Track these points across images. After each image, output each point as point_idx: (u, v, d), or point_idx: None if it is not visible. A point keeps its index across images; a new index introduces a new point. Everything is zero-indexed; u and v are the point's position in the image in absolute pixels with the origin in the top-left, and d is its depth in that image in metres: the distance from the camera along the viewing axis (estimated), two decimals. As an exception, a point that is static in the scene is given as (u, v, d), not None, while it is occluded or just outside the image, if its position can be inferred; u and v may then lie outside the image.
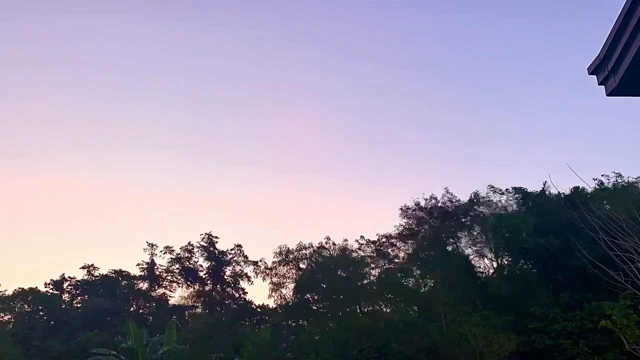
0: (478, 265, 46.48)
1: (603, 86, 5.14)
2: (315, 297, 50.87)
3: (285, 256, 54.39)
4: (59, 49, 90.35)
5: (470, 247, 46.87)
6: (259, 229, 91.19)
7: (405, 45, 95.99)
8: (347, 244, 53.31)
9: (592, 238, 10.69)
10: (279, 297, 53.74)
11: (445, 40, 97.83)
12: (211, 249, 65.33)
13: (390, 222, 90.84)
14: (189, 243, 65.38)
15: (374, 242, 54.64)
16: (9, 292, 61.47)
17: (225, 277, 65.62)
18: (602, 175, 43.13)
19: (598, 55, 5.13)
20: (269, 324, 54.49)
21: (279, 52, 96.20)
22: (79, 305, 62.39)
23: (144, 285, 65.02)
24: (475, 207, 48.00)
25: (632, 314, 25.18)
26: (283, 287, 53.84)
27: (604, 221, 10.05)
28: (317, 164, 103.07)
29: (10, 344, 45.33)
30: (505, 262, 45.71)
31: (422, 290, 44.98)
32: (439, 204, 49.34)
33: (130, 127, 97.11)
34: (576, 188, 37.64)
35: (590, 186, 41.74)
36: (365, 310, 47.27)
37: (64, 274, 63.93)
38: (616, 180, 42.46)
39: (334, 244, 53.48)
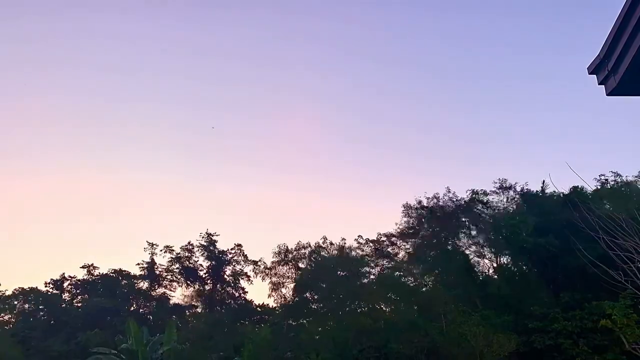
0: (478, 265, 46.54)
1: (603, 86, 5.14)
2: (315, 297, 50.86)
3: (285, 256, 54.41)
4: (59, 49, 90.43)
5: (470, 246, 46.94)
6: (259, 229, 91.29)
7: (405, 45, 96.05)
8: (345, 244, 53.34)
9: (592, 238, 10.69)
10: (279, 296, 53.81)
11: (445, 40, 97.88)
12: (211, 248, 65.36)
13: (390, 222, 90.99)
14: (189, 242, 65.49)
15: (373, 242, 54.66)
16: (9, 292, 61.56)
17: (226, 276, 65.65)
18: (602, 175, 43.18)
19: (598, 55, 5.14)
20: (269, 323, 54.47)
21: (279, 52, 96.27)
22: (79, 304, 62.40)
23: (144, 285, 65.04)
24: (475, 206, 48.04)
25: (632, 313, 25.22)
26: (283, 286, 53.90)
27: (604, 221, 10.05)
28: (317, 164, 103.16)
29: (10, 344, 45.37)
30: (505, 262, 45.73)
31: (422, 290, 44.99)
32: (440, 203, 49.45)
33: (130, 127, 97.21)
34: (576, 188, 37.63)
35: (590, 186, 41.79)
36: (365, 309, 47.25)
37: (64, 274, 64.00)
38: (616, 180, 42.49)
39: (331, 243, 53.52)
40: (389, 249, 54.36)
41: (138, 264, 64.43)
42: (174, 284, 65.76)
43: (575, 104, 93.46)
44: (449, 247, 47.51)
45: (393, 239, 53.63)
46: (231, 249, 65.72)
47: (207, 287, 65.64)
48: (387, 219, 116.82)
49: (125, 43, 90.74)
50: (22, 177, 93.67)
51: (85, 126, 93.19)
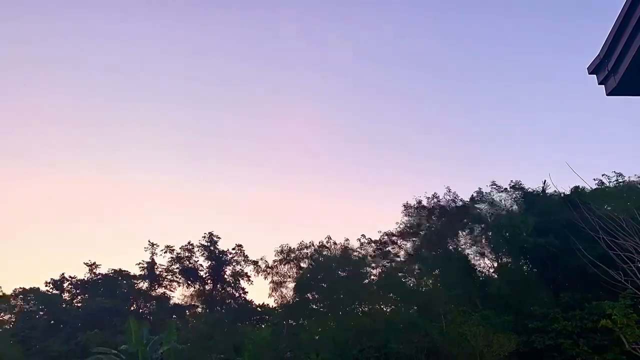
0: (478, 265, 46.55)
1: (603, 86, 5.15)
2: (316, 297, 50.88)
3: (287, 255, 54.43)
4: (59, 49, 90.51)
5: (470, 246, 46.94)
6: (259, 229, 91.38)
7: (405, 45, 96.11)
8: (348, 244, 53.40)
9: (592, 238, 10.69)
10: (279, 296, 53.81)
11: (445, 40, 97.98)
12: (212, 248, 65.35)
13: (391, 222, 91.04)
14: (189, 242, 65.49)
15: (375, 241, 54.69)
16: (9, 292, 61.57)
17: (226, 276, 65.63)
18: (602, 175, 43.15)
19: (598, 55, 5.14)
20: (269, 323, 54.49)
21: (279, 52, 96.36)
22: (79, 304, 62.39)
23: (144, 285, 65.03)
24: (475, 206, 48.05)
25: (632, 313, 25.20)
26: (283, 286, 53.90)
27: (604, 221, 10.05)
28: (317, 163, 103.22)
29: (10, 344, 45.38)
30: (506, 262, 45.72)
31: (422, 290, 44.98)
32: (441, 203, 49.46)
33: (130, 127, 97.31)
34: (576, 188, 37.62)
35: (590, 186, 41.74)
36: (366, 309, 47.27)
37: (64, 274, 64.00)
38: (616, 180, 42.47)
39: (335, 243, 53.56)
40: (389, 249, 54.40)
41: (138, 263, 64.53)
42: (174, 284, 65.79)
43: (575, 104, 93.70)
44: (449, 247, 47.52)
45: (394, 238, 53.68)
46: (232, 249, 65.78)
47: (207, 287, 65.63)
48: (388, 219, 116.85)
49: (125, 43, 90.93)
50: (22, 177, 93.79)
51: (85, 126, 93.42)
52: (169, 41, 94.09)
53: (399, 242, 53.56)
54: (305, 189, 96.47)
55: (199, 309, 63.99)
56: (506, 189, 47.06)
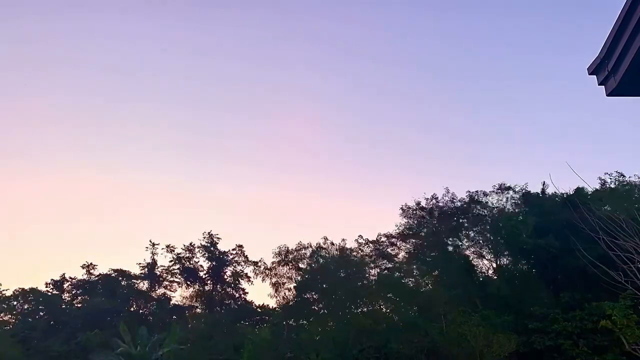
0: (478, 265, 46.54)
1: (603, 86, 5.14)
2: (315, 297, 50.86)
3: (285, 256, 54.39)
4: (59, 48, 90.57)
5: (470, 247, 46.92)
6: (259, 229, 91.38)
7: (405, 45, 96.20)
8: (346, 244, 53.36)
9: (592, 238, 10.67)
10: (279, 297, 53.78)
11: (445, 40, 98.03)
12: (212, 248, 65.30)
13: (390, 222, 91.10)
14: (190, 243, 65.43)
15: (373, 242, 54.64)
16: (9, 292, 61.55)
17: (226, 277, 65.59)
18: (603, 175, 43.19)
19: (598, 55, 5.13)
20: (269, 323, 54.47)
21: (279, 52, 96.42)
22: (79, 305, 62.36)
23: (144, 285, 64.99)
24: (475, 207, 48.02)
25: (632, 314, 25.21)
26: (283, 287, 53.86)
27: (604, 221, 10.04)
28: (317, 164, 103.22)
29: (10, 344, 45.32)
30: (505, 262, 45.72)
31: (422, 290, 44.98)
32: (440, 204, 49.42)
33: (130, 127, 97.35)
34: (576, 188, 37.63)
35: (590, 186, 41.78)
36: (365, 310, 47.26)
37: (64, 274, 63.98)
38: (616, 180, 42.49)
39: (332, 244, 53.50)
40: (389, 250, 54.35)
41: (138, 263, 64.47)
42: (174, 284, 65.75)
43: (575, 104, 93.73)
44: (449, 248, 47.50)
45: (393, 239, 53.64)
46: (232, 250, 65.73)
47: (207, 288, 65.59)
48: (387, 219, 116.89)
49: (125, 43, 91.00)
50: (22, 177, 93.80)
51: (85, 126, 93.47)
52: (169, 41, 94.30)
53: (398, 243, 53.54)
54: (305, 189, 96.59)
55: (199, 310, 63.95)
56: (506, 189, 47.07)
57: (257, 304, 64.18)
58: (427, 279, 46.66)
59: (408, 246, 52.36)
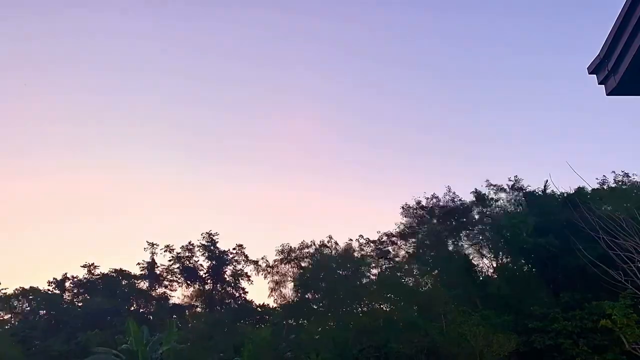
0: (478, 265, 46.58)
1: (603, 86, 5.14)
2: (316, 297, 50.89)
3: (287, 254, 54.40)
4: (59, 48, 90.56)
5: (470, 246, 46.94)
6: (259, 229, 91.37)
7: (405, 45, 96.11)
8: (349, 243, 53.41)
9: (592, 238, 10.69)
10: (279, 296, 53.81)
11: (445, 40, 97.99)
12: (212, 248, 65.34)
13: (391, 222, 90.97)
14: (189, 242, 65.48)
15: (374, 241, 54.69)
16: (10, 291, 61.59)
17: (226, 276, 65.63)
18: (605, 174, 43.23)
19: (598, 55, 5.14)
20: (269, 323, 54.50)
21: (279, 52, 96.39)
22: (79, 304, 62.43)
23: (144, 285, 65.05)
24: (475, 206, 48.05)
25: (632, 313, 25.21)
26: (283, 286, 53.89)
27: (604, 221, 10.05)
28: (317, 163, 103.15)
29: (10, 344, 45.31)
30: (505, 262, 45.73)
31: (422, 290, 45.00)
32: (440, 203, 49.45)
33: (130, 127, 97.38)
34: (576, 188, 37.63)
35: (590, 186, 41.77)
36: (366, 309, 47.28)
37: (65, 274, 64.04)
38: (616, 180, 42.51)
39: (336, 243, 53.56)
40: (389, 249, 54.41)
41: (138, 263, 64.52)
42: (174, 284, 65.79)
43: (575, 104, 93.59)
44: (449, 247, 47.52)
45: (393, 238, 53.67)
46: (232, 249, 65.78)
47: (207, 287, 65.64)
48: (387, 219, 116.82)
49: (125, 42, 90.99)
50: (22, 177, 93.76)
51: (85, 126, 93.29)
52: (168, 41, 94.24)
53: (398, 242, 53.59)
54: (305, 189, 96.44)
55: (199, 309, 64.00)
56: (506, 189, 47.12)
57: (257, 304, 64.31)
58: (427, 279, 46.68)
59: (408, 245, 52.41)
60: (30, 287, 62.13)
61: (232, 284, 65.54)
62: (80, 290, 64.07)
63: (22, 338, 50.32)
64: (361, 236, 54.76)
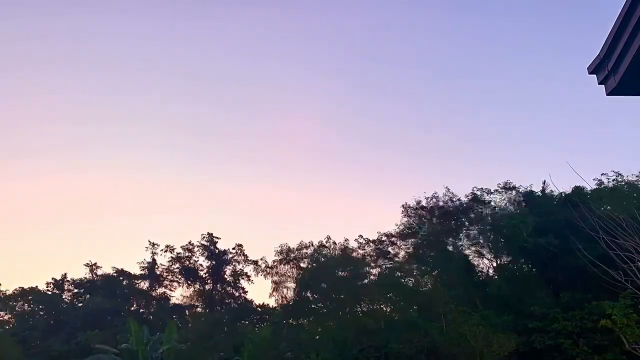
0: (478, 265, 46.56)
1: (603, 86, 5.15)
2: (316, 297, 50.87)
3: (287, 255, 54.40)
4: (59, 48, 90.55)
5: (470, 246, 46.93)
6: (259, 229, 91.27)
7: (405, 45, 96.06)
8: (348, 244, 53.40)
9: (592, 238, 10.70)
10: (280, 296, 53.79)
11: (445, 40, 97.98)
12: (212, 248, 65.36)
13: (391, 221, 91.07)
14: (189, 242, 65.49)
15: (374, 241, 54.67)
16: (10, 292, 61.57)
17: (226, 276, 65.64)
18: (602, 175, 43.17)
19: (598, 55, 5.14)
20: (269, 323, 54.48)
21: (279, 52, 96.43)
22: (79, 304, 62.42)
23: (144, 285, 65.05)
24: (475, 206, 48.04)
25: (632, 313, 25.23)
26: (283, 286, 53.88)
27: (604, 221, 10.05)
28: (317, 163, 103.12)
29: (10, 344, 45.32)
30: (505, 262, 45.73)
31: (422, 290, 45.01)
32: (440, 203, 49.45)
33: (130, 127, 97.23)
34: (576, 187, 37.63)
35: (590, 186, 41.78)
36: (366, 309, 47.28)
37: (65, 274, 64.05)
38: (616, 180, 42.48)
39: (334, 243, 53.53)
40: (389, 249, 54.40)
41: (138, 263, 64.53)
42: (175, 283, 65.81)
43: (575, 104, 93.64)
44: (449, 247, 47.52)
45: (393, 238, 53.66)
46: (232, 249, 65.79)
47: (207, 287, 65.65)
48: (388, 219, 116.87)
49: (125, 43, 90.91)
50: (22, 177, 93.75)
51: (85, 125, 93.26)
52: (168, 40, 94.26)
53: (398, 242, 53.58)
54: (306, 189, 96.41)
55: (199, 309, 64.02)
56: (506, 188, 47.10)
57: (257, 303, 64.33)
58: (427, 279, 46.69)
59: (408, 245, 52.41)
60: (30, 287, 62.17)
61: (232, 284, 65.57)
62: (80, 290, 64.06)
63: (22, 338, 50.34)
64: (361, 236, 54.82)
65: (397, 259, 53.09)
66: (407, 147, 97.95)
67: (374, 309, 46.57)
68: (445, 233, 48.12)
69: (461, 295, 39.62)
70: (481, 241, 46.60)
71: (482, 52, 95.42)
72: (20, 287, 61.86)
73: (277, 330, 47.48)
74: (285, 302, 52.78)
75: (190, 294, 64.72)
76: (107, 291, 61.59)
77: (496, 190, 47.29)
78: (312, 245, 54.19)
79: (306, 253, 54.30)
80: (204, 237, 65.33)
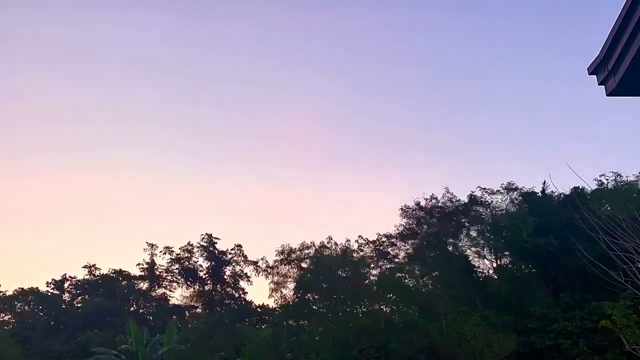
0: (478, 265, 46.57)
1: (603, 86, 5.14)
2: (316, 297, 50.85)
3: (288, 255, 54.37)
4: (59, 48, 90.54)
5: (470, 247, 46.93)
6: (258, 229, 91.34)
7: (405, 44, 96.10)
8: (350, 244, 53.40)
9: (592, 238, 10.70)
10: (280, 297, 53.76)
11: (445, 40, 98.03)
12: (211, 248, 65.34)
13: (391, 222, 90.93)
14: (188, 243, 65.48)
15: (373, 242, 54.66)
16: (10, 292, 61.57)
17: (225, 277, 65.62)
18: (602, 175, 43.16)
19: (598, 55, 5.13)
20: (269, 323, 54.45)
21: (279, 52, 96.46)
22: (79, 305, 62.39)
23: (144, 285, 65.02)
24: (475, 207, 48.05)
25: (632, 314, 25.21)
26: (284, 286, 53.85)
27: (604, 221, 10.05)
28: (317, 163, 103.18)
29: (10, 344, 45.31)
30: (505, 262, 45.72)
31: (422, 290, 44.99)
32: (439, 204, 49.44)
33: (130, 127, 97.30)
34: (576, 188, 37.59)
35: (590, 186, 41.78)
36: (366, 310, 47.26)
37: (65, 274, 64.03)
38: (616, 180, 42.47)
39: (335, 243, 53.52)
40: (389, 250, 54.38)
41: (138, 264, 64.50)
42: (174, 284, 65.80)
43: (575, 104, 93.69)
44: (449, 248, 47.51)
45: (393, 239, 53.65)
46: (231, 250, 65.76)
47: (207, 288, 65.62)
48: (387, 219, 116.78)
49: (124, 42, 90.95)
50: (22, 177, 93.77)
51: (85, 125, 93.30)
52: (168, 40, 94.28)
53: (397, 243, 53.57)
54: (306, 189, 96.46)
55: (199, 310, 63.99)
56: (506, 189, 47.12)
57: (257, 304, 64.31)
58: (427, 279, 46.67)
59: (408, 246, 52.40)
60: (30, 287, 62.17)
61: (232, 285, 65.55)
62: (80, 291, 64.04)
63: (22, 338, 50.33)
64: (360, 237, 54.82)
65: (397, 260, 53.11)
66: (407, 147, 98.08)
67: (374, 310, 46.54)
68: (445, 233, 48.12)
69: (461, 296, 39.60)
70: (481, 241, 46.61)
71: (482, 52, 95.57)
72: (20, 288, 61.93)
73: (277, 331, 47.46)
74: (285, 302, 52.76)
75: (190, 295, 64.73)
76: (107, 292, 61.59)
77: (496, 190, 47.35)
78: (314, 245, 54.21)
79: (308, 253, 54.30)
80: (203, 238, 65.37)
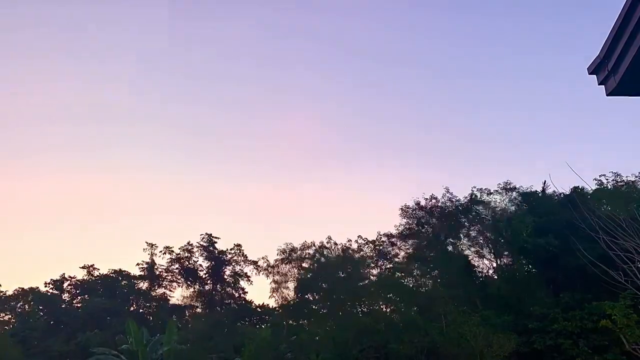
0: (478, 265, 46.56)
1: (603, 86, 5.14)
2: (316, 297, 50.83)
3: (289, 254, 54.32)
4: (59, 48, 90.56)
5: (470, 247, 46.93)
6: (258, 229, 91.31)
7: (405, 44, 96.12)
8: (350, 244, 53.38)
9: (592, 238, 10.71)
10: (280, 296, 53.72)
11: (445, 40, 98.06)
12: (211, 248, 65.31)
13: (390, 222, 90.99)
14: (188, 243, 65.45)
15: (373, 242, 54.64)
16: (9, 292, 61.56)
17: (225, 276, 65.60)
18: (602, 175, 43.14)
19: (598, 55, 5.13)
20: (269, 323, 54.44)
21: (279, 52, 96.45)
22: (79, 305, 62.38)
23: (143, 285, 65.00)
24: (475, 207, 48.03)
25: (632, 313, 25.23)
26: (284, 286, 53.80)
27: (604, 221, 10.05)
28: (317, 163, 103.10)
29: (10, 344, 45.31)
30: (505, 262, 45.72)
31: (422, 290, 45.00)
32: (439, 204, 49.43)
33: (130, 127, 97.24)
34: (576, 188, 37.61)
35: (590, 186, 41.76)
36: (366, 310, 47.24)
37: (64, 274, 63.99)
38: (616, 180, 42.46)
39: (335, 243, 53.47)
40: (389, 249, 54.35)
41: (138, 264, 64.46)
42: (174, 284, 65.76)
43: (575, 104, 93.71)
44: (449, 248, 47.51)
45: (393, 239, 53.62)
46: (230, 249, 65.72)
47: (207, 288, 65.60)
48: (387, 219, 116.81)
49: (124, 41, 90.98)
50: (22, 177, 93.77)
51: (85, 125, 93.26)
52: (168, 40, 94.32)
53: (397, 243, 53.54)
54: (305, 189, 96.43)
55: (199, 309, 63.96)
56: (505, 189, 47.08)
57: (257, 304, 64.29)
58: (427, 279, 46.66)
59: (408, 246, 52.38)
60: (30, 287, 62.17)
61: (232, 285, 65.54)
62: (80, 291, 64.04)
63: (22, 338, 50.33)
64: (360, 236, 54.78)
65: (397, 260, 53.09)
66: (407, 147, 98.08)
67: (374, 310, 46.53)
68: (445, 233, 48.12)
69: (461, 296, 39.60)
70: (481, 241, 46.60)
71: (482, 52, 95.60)
72: (20, 288, 61.93)
73: (277, 331, 47.46)
74: (285, 302, 52.73)
75: (190, 295, 64.68)
76: (107, 292, 61.59)
77: (496, 190, 47.32)
78: (315, 245, 54.18)
79: (309, 253, 54.25)
80: (203, 238, 65.34)
